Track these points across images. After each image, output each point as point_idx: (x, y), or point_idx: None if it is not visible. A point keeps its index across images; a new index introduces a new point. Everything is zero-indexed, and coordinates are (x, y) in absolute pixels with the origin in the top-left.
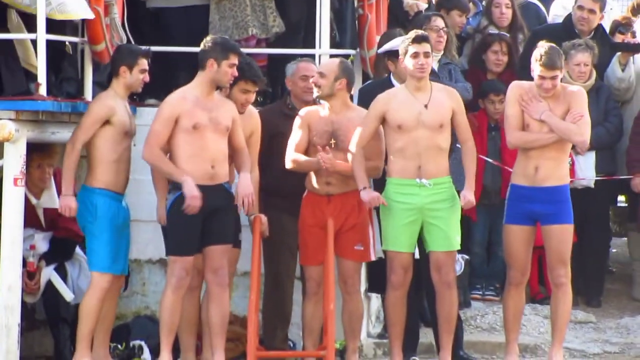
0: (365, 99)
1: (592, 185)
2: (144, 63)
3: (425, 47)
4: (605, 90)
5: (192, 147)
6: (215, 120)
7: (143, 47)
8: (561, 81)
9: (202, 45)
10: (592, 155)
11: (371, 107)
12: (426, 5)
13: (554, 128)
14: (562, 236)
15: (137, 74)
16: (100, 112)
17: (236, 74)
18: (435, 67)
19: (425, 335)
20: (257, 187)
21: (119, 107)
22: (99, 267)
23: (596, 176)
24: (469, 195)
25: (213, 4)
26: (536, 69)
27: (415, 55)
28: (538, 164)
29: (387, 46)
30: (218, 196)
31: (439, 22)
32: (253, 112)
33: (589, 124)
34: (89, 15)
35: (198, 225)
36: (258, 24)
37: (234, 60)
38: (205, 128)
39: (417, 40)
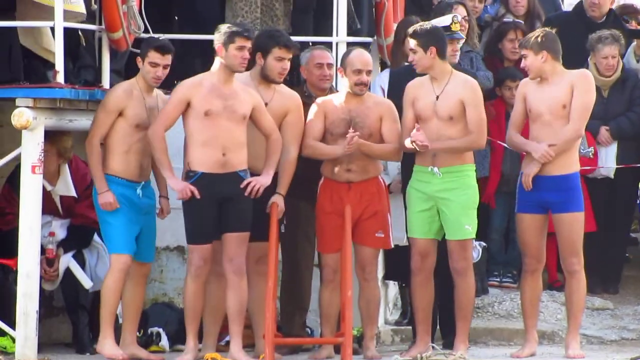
0: (396, 80)
1: (612, 176)
2: (154, 56)
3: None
4: (632, 79)
5: (204, 134)
6: (231, 108)
7: (160, 40)
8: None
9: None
10: (614, 146)
11: (405, 96)
12: None
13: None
14: (572, 225)
15: (147, 66)
16: (112, 105)
17: (247, 56)
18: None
19: None
20: (294, 166)
21: (133, 101)
22: (114, 248)
23: (619, 166)
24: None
25: (228, 2)
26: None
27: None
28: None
29: (435, 22)
30: (231, 184)
31: (460, 10)
32: (292, 94)
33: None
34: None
35: (213, 213)
36: (270, 23)
37: (241, 43)
38: (218, 115)
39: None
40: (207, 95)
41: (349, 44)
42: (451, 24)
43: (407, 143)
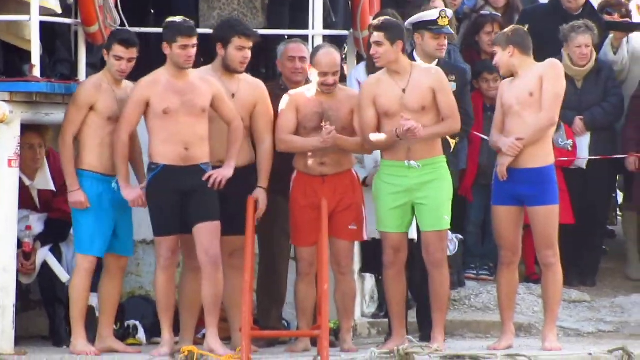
0: None
1: (584, 167)
2: (118, 50)
3: (372, 36)
4: (606, 70)
5: (165, 131)
6: (190, 103)
7: (124, 34)
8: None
9: None
10: (587, 137)
11: (361, 94)
12: None
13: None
14: (547, 217)
15: (111, 59)
16: (82, 101)
17: (191, 54)
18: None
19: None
20: (271, 155)
21: (103, 94)
22: (80, 248)
23: (593, 157)
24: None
25: None
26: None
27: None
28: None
29: (418, 16)
30: (193, 177)
31: (438, 3)
32: (257, 83)
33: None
34: (58, 9)
35: (176, 204)
36: (250, 15)
37: (184, 42)
38: (177, 112)
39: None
40: (163, 93)
41: (325, 37)
42: (438, 18)
43: (395, 134)
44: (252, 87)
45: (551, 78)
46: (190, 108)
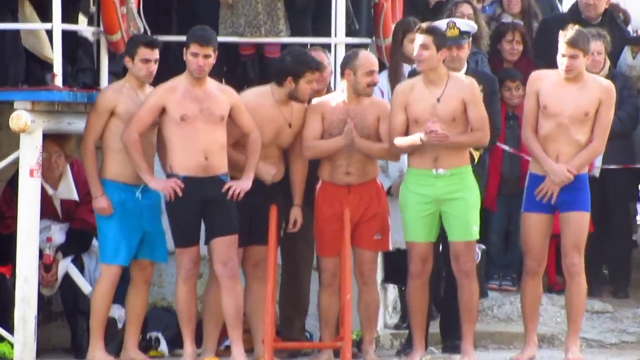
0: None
1: (597, 175)
2: (144, 52)
3: (420, 39)
4: (620, 78)
5: (183, 139)
6: (208, 111)
7: (147, 36)
8: None
9: None
10: None
11: (393, 99)
12: None
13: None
14: (579, 223)
15: (138, 64)
16: (101, 107)
17: (201, 64)
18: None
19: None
20: (306, 173)
21: (123, 98)
22: (104, 258)
23: (611, 165)
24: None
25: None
26: (560, 47)
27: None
28: (559, 152)
29: None
30: (214, 187)
31: (464, 9)
32: (304, 107)
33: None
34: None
35: (197, 215)
36: (270, 23)
37: (194, 49)
38: (195, 119)
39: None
40: (181, 100)
41: (348, 46)
42: (446, 29)
43: (419, 137)
44: (301, 112)
45: (609, 106)
46: (208, 116)
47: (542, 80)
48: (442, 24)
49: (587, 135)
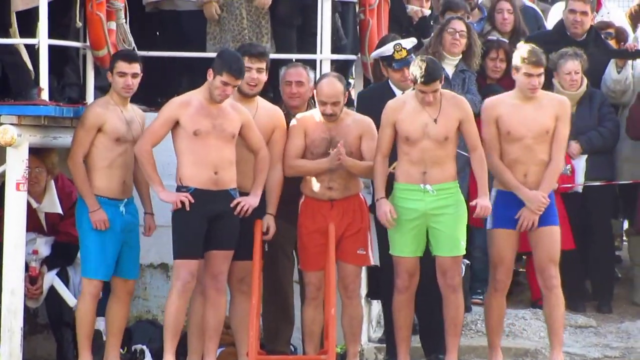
0: (364, 104)
1: (580, 191)
2: (121, 66)
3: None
4: (599, 96)
5: (194, 153)
6: (220, 127)
7: (125, 50)
8: (553, 91)
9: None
10: (582, 162)
11: (383, 116)
12: (429, 12)
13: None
14: (552, 237)
15: (116, 77)
16: (89, 123)
17: (129, 82)
18: (450, 72)
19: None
20: (282, 183)
21: (110, 114)
22: (86, 272)
23: (594, 182)
24: (482, 201)
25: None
26: (523, 68)
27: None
28: (527, 171)
29: (377, 52)
30: (222, 202)
31: (455, 25)
32: (275, 109)
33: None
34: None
35: (202, 229)
36: (255, 39)
37: (226, 79)
38: (207, 135)
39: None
40: (195, 115)
41: (333, 62)
42: (394, 52)
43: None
44: (269, 113)
45: (565, 121)
46: (220, 132)
47: (499, 106)
48: (387, 49)
49: (548, 152)
